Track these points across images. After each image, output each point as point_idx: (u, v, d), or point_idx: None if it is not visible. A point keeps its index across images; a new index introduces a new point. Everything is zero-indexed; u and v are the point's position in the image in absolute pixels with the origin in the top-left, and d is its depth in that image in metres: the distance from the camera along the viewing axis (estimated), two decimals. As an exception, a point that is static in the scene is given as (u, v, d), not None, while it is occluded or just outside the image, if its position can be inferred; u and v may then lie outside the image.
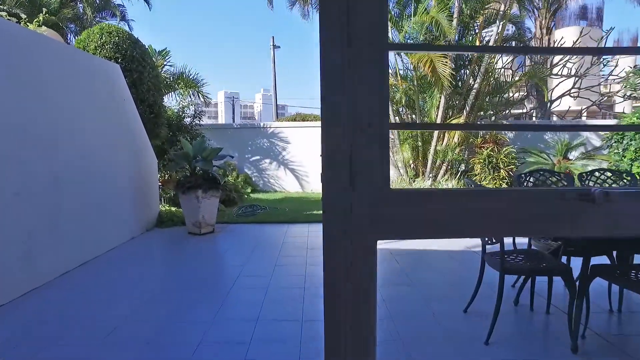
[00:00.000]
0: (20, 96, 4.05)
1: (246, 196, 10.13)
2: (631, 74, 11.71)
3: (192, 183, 6.17)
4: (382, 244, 5.81)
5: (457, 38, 9.27)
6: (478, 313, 3.28)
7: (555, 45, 13.35)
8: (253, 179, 11.83)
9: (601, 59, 12.83)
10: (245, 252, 5.33)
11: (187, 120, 9.52)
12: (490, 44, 9.07)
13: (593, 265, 2.77)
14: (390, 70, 10.60)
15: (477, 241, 5.80)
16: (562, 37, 14.05)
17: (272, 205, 8.83)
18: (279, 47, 22.03)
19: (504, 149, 9.14)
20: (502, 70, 11.20)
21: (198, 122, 9.76)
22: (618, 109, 15.58)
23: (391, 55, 10.36)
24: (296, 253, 5.26)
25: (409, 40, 9.91)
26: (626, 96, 13.00)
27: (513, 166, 9.08)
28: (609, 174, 3.62)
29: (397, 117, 9.99)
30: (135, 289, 4.06)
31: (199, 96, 10.23)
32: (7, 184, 3.81)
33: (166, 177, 8.79)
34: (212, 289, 4.03)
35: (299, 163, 11.73)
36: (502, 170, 9.04)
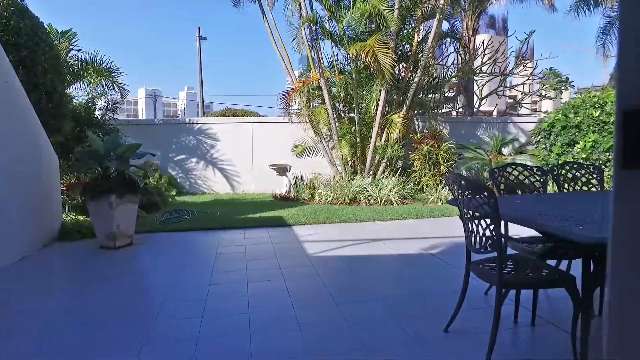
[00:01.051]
0: None
1: (171, 200, 9.04)
2: (550, 75, 12.35)
3: (104, 187, 5.11)
4: (328, 250, 5.24)
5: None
6: (461, 332, 2.78)
7: (480, 47, 13.77)
8: (178, 180, 10.70)
9: (521, 61, 13.44)
10: (171, 269, 4.43)
11: (99, 113, 8.22)
12: (430, 39, 8.89)
13: (593, 271, 2.38)
14: (326, 63, 10.09)
15: (431, 242, 5.46)
16: (483, 40, 14.62)
17: (201, 209, 7.88)
18: (205, 38, 20.64)
19: (444, 145, 9.02)
20: (437, 66, 11.22)
21: (112, 115, 8.48)
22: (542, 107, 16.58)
23: (328, 46, 9.86)
24: (234, 266, 4.47)
25: (348, 32, 9.47)
26: (546, 95, 13.76)
27: (452, 162, 9.00)
28: (520, 168, 3.34)
29: (334, 113, 9.49)
30: (13, 332, 3.05)
31: (113, 87, 8.92)
32: None
33: (73, 180, 7.47)
34: (127, 324, 3.14)
35: (230, 162, 10.82)
36: (442, 166, 8.91)
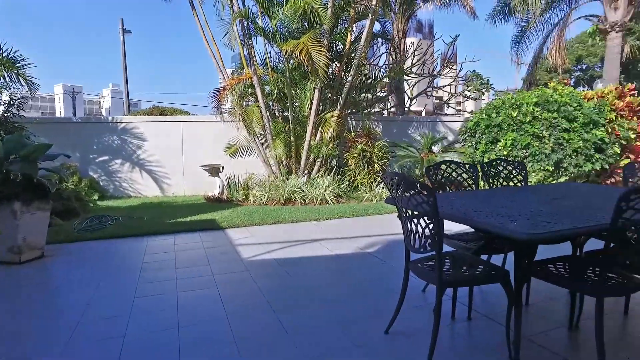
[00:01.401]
0: None
1: (92, 205, 8.30)
2: (473, 77, 13.09)
3: (5, 193, 4.50)
4: (263, 253, 5.04)
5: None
6: (402, 333, 2.74)
7: (410, 49, 14.28)
8: (101, 184, 9.88)
9: (448, 64, 14.13)
10: (90, 282, 3.98)
11: (0, 109, 7.31)
12: (362, 38, 8.97)
13: (526, 264, 2.44)
14: (259, 60, 9.85)
15: (368, 241, 5.47)
16: (413, 42, 15.21)
17: (126, 214, 7.30)
18: (129, 32, 19.27)
19: (377, 143, 9.17)
20: (369, 66, 11.41)
21: (17, 112, 7.59)
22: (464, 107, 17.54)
23: (261, 43, 9.60)
24: (163, 275, 4.13)
25: (281, 29, 9.29)
26: (470, 97, 14.58)
27: (386, 160, 9.17)
28: (453, 166, 3.46)
29: (267, 112, 9.28)
30: None
31: (18, 80, 7.98)
32: None
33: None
34: (31, 352, 2.74)
35: (158, 163, 10.19)
36: (375, 164, 9.05)
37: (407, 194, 2.30)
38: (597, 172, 8.77)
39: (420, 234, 2.31)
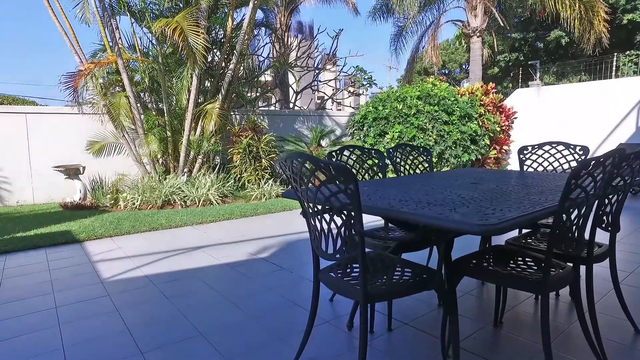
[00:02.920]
0: None
1: None
2: (358, 71, 13.24)
3: None
4: (132, 269, 4.07)
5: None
6: (312, 361, 2.17)
7: (294, 42, 13.97)
8: None
9: (333, 59, 14.13)
10: None
11: None
12: (245, 24, 8.24)
13: (455, 261, 2.05)
14: (126, 44, 8.51)
15: (260, 244, 4.82)
16: (297, 36, 14.94)
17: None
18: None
19: (264, 137, 8.55)
20: (253, 57, 10.73)
21: None
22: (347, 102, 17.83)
23: (128, 23, 8.27)
24: (-24, 315, 2.96)
25: (151, 7, 8.09)
26: (354, 92, 14.77)
27: (274, 155, 8.60)
28: (358, 152, 3.12)
29: (138, 103, 8.03)
30: None
31: None
32: None
33: None
34: None
35: (-5, 165, 8.17)
36: (263, 160, 8.42)
37: (315, 183, 1.72)
38: (472, 162, 9.36)
39: (334, 235, 1.76)
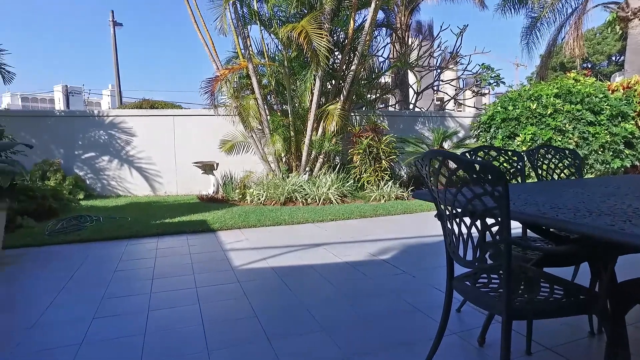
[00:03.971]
0: None
1: (75, 204, 7.58)
2: (484, 69, 12.38)
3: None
4: (258, 260, 4.33)
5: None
6: (439, 374, 2.03)
7: (415, 42, 13.61)
8: (88, 182, 9.16)
9: (457, 58, 13.42)
10: (42, 298, 3.27)
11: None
12: (366, 26, 8.26)
13: (624, 284, 1.73)
14: (255, 50, 9.16)
15: (380, 246, 4.77)
16: (419, 35, 14.53)
17: (109, 214, 6.60)
18: (120, 24, 18.56)
19: (384, 138, 8.46)
20: (374, 57, 10.72)
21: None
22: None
23: (257, 31, 8.90)
24: (134, 288, 3.43)
25: (278, 14, 8.60)
26: (478, 92, 13.87)
27: (394, 156, 8.47)
28: (493, 153, 2.75)
29: (265, 104, 8.58)
30: None
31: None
32: None
33: None
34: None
35: (149, 160, 9.47)
36: (383, 161, 8.34)
37: (459, 183, 1.60)
38: (625, 169, 8.06)
39: (475, 241, 1.61)
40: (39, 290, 3.45)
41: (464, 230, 1.67)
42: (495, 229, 1.53)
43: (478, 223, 1.59)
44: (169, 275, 3.76)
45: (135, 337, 2.53)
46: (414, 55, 12.84)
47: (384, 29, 11.58)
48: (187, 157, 9.39)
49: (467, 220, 1.65)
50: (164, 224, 5.88)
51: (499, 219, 1.49)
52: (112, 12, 18.15)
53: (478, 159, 2.73)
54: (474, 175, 1.50)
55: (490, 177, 1.46)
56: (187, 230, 5.53)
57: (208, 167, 8.76)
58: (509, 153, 2.78)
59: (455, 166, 1.60)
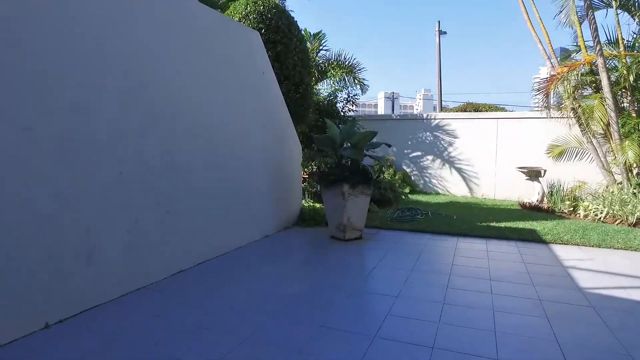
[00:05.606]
0: (126, 54, 3.33)
1: (404, 197, 8.60)
2: None
3: (337, 175, 4.95)
4: (614, 287, 3.66)
5: None
6: None
7: None
8: (412, 178, 10.24)
9: None
10: (398, 275, 3.82)
11: (339, 106, 8.48)
12: None
13: None
14: (603, 39, 7.79)
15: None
16: None
17: (434, 210, 7.13)
18: (445, 32, 19.60)
19: None
20: None
21: (351, 107, 8.64)
22: None
23: (604, 16, 7.51)
24: (474, 285, 3.53)
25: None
26: None
27: None
28: None
29: (615, 104, 7.16)
30: (250, 311, 2.96)
31: (354, 82, 9.11)
32: (112, 160, 3.09)
33: (314, 170, 7.87)
34: (343, 337, 2.65)
35: (468, 162, 9.68)
36: None
37: None
38: None
39: None
40: (395, 267, 4.07)
41: None
42: None
43: None
44: (505, 279, 3.69)
45: (487, 334, 2.59)
46: None
47: None
48: (508, 161, 9.04)
49: None
50: (490, 227, 5.85)
51: None
52: (439, 22, 19.41)
53: None
54: None
55: None
56: (514, 237, 5.31)
57: (533, 174, 8.15)
58: None
59: None
